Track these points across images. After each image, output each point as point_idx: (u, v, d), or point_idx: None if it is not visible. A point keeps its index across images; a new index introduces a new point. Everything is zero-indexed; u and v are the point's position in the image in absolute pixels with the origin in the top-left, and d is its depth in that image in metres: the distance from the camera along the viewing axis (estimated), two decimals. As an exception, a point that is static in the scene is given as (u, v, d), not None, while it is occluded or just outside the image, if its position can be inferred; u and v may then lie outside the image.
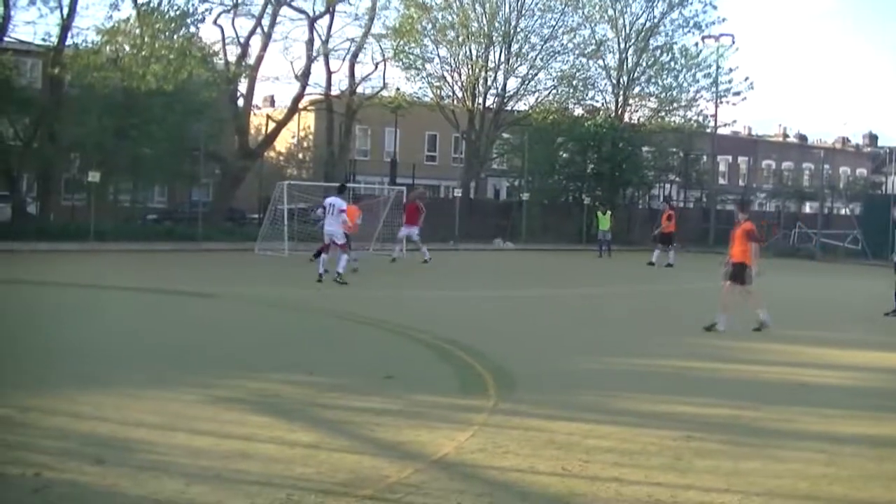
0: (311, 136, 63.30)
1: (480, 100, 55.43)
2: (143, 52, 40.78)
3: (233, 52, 45.90)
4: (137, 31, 41.17)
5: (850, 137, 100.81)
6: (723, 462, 9.12)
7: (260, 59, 46.14)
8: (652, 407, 11.52)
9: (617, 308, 23.43)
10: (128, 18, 41.62)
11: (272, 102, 66.94)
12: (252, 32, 45.78)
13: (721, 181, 72.80)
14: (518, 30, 54.98)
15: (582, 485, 7.98)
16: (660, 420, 10.74)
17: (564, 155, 56.50)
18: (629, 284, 29.46)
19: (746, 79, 60.85)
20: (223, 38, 45.54)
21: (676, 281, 31.62)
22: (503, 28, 54.55)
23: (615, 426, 10.29)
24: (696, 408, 11.68)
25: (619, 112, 58.33)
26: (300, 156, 62.17)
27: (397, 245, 34.63)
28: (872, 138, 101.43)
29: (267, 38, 45.87)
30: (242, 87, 46.82)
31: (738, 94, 58.77)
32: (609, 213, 43.83)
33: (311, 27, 47.65)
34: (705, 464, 9.02)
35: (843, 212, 60.14)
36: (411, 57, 54.00)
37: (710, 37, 58.06)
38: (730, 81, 58.65)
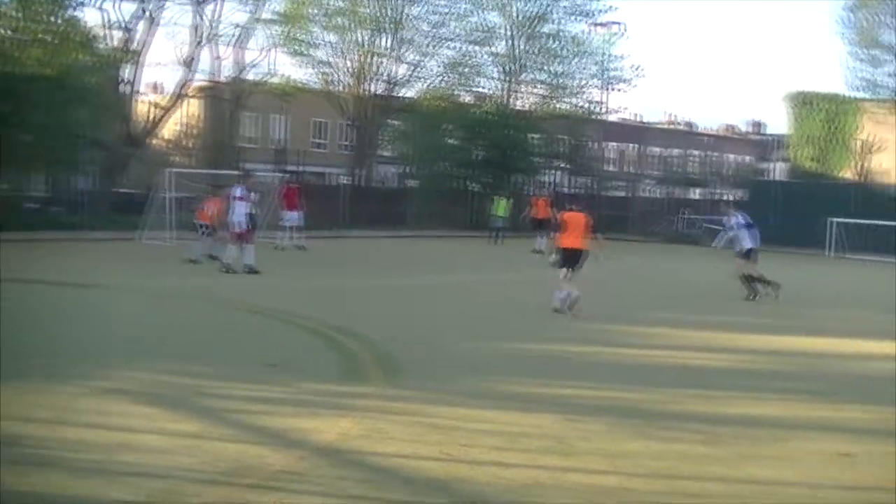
0: (197, 124, 62.50)
1: (368, 86, 55.21)
2: (22, 36, 39.77)
3: (117, 37, 44.98)
4: (15, 13, 40.12)
5: (737, 125, 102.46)
6: (605, 444, 9.25)
7: (144, 44, 45.38)
8: (535, 390, 11.62)
9: (503, 294, 23.53)
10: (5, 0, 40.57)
11: (158, 89, 66.03)
12: (136, 16, 44.97)
13: (609, 168, 73.43)
14: (407, 16, 54.84)
15: (464, 469, 8.02)
16: (542, 403, 10.84)
17: (452, 142, 56.42)
18: (517, 271, 29.59)
19: (635, 67, 61.17)
20: (106, 22, 44.59)
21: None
22: (392, 14, 54.34)
23: (498, 410, 10.36)
24: (579, 391, 11.82)
25: (508, 99, 58.47)
26: (187, 143, 61.31)
27: (286, 234, 34.31)
28: (758, 126, 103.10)
29: (152, 22, 45.14)
30: (128, 72, 45.97)
31: (626, 81, 59.26)
32: (508, 199, 43.85)
33: (198, 12, 47.03)
34: (588, 446, 9.14)
35: (728, 198, 61.08)
36: (299, 43, 53.53)
37: (599, 24, 58.45)
38: (619, 69, 59.14)
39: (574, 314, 18.82)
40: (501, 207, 43.12)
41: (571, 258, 19.62)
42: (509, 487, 7.79)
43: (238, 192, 25.35)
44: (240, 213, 24.93)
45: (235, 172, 34.24)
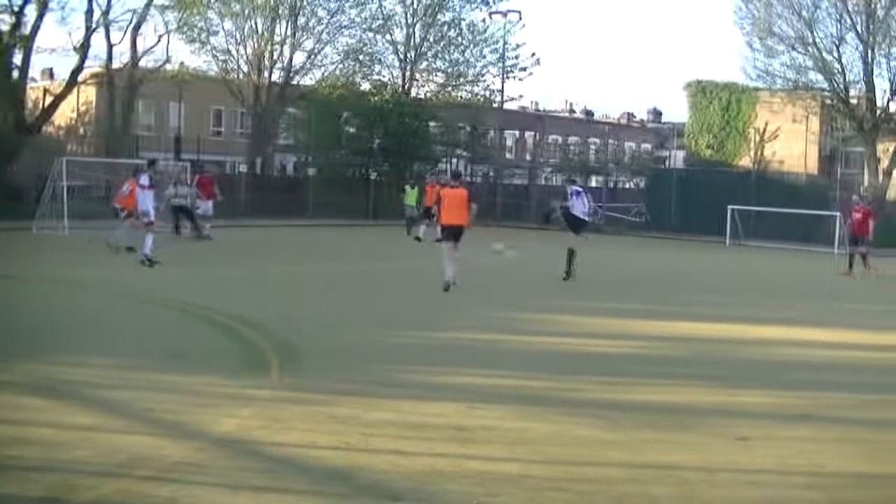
0: (91, 111, 61.51)
1: (266, 74, 54.78)
2: None
3: (5, 22, 43.95)
4: None
5: (635, 113, 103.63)
6: (506, 432, 9.27)
7: (35, 28, 44.39)
8: (435, 379, 11.65)
9: (407, 282, 23.50)
10: None
11: (51, 75, 64.76)
12: (26, 0, 43.95)
13: (508, 155, 73.81)
14: (304, 3, 54.47)
15: (362, 458, 7.99)
16: (443, 392, 10.85)
17: (351, 130, 56.26)
18: (422, 259, 29.56)
19: (533, 54, 61.50)
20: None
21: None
22: (289, 1, 53.93)
23: (397, 399, 10.34)
24: (481, 379, 11.85)
25: (406, 87, 58.46)
26: (81, 131, 60.28)
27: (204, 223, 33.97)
28: (657, 114, 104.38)
29: (43, 6, 44.16)
30: (18, 58, 44.95)
31: (524, 69, 59.57)
32: (414, 188, 43.60)
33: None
34: (488, 434, 9.15)
35: (627, 185, 61.67)
36: (195, 30, 52.88)
37: (497, 13, 58.72)
38: (517, 57, 59.38)
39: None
40: (411, 196, 42.86)
41: (454, 233, 20.84)
42: (408, 475, 7.76)
43: (143, 180, 24.86)
44: (147, 202, 24.51)
45: (132, 161, 33.84)
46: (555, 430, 9.50)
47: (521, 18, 58.94)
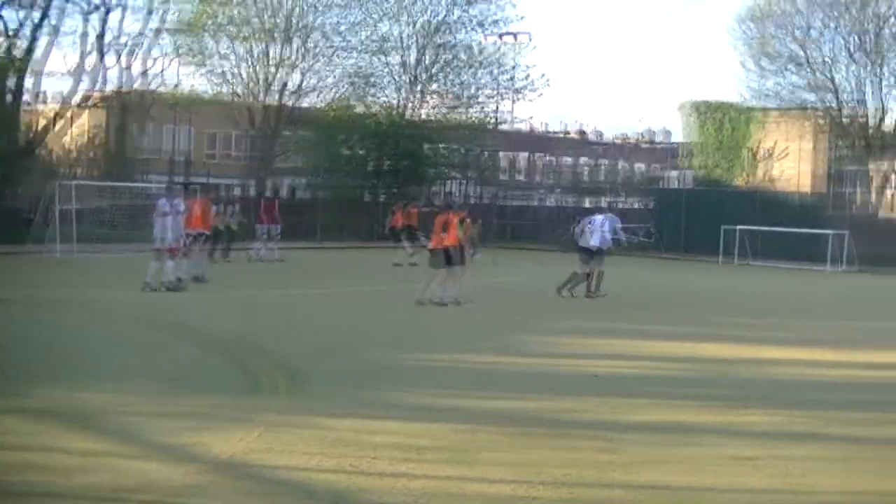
0: (99, 134, 61.44)
1: (271, 97, 54.76)
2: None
3: (13, 45, 43.81)
4: None
5: (646, 134, 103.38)
6: (510, 453, 9.29)
7: (36, 51, 44.23)
8: (440, 401, 11.64)
9: (411, 304, 23.45)
10: None
11: (54, 99, 64.81)
12: (33, 25, 43.85)
13: (518, 177, 73.86)
14: (304, 26, 54.44)
15: (368, 481, 7.99)
16: (447, 414, 10.85)
17: (360, 152, 56.22)
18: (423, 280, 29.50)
19: (543, 75, 61.47)
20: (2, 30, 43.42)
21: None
22: (288, 24, 53.90)
23: (402, 422, 10.36)
24: (485, 401, 11.83)
25: (412, 109, 58.38)
26: (84, 154, 60.09)
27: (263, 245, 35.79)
28: (667, 134, 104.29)
29: (56, 32, 44.17)
30: (15, 82, 44.75)
31: (534, 90, 59.44)
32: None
33: (88, 20, 46.01)
34: (492, 455, 9.16)
35: (636, 206, 61.53)
36: (198, 54, 52.90)
37: (507, 34, 58.58)
38: (526, 78, 59.17)
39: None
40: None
41: (449, 257, 21.82)
42: (412, 498, 7.77)
43: (166, 205, 24.07)
44: (171, 227, 23.92)
45: (138, 184, 33.91)
46: (558, 451, 9.50)
47: (531, 40, 58.76)
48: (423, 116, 58.75)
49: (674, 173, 70.93)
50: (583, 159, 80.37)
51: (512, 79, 58.65)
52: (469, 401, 11.77)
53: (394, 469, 8.47)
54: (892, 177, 54.23)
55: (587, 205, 58.32)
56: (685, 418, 11.29)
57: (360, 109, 57.25)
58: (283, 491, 7.84)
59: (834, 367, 15.58)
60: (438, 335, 17.92)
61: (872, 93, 53.95)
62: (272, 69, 54.37)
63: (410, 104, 58.27)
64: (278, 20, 53.88)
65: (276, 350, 14.77)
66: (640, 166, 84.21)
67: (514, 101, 59.53)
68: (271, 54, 54.26)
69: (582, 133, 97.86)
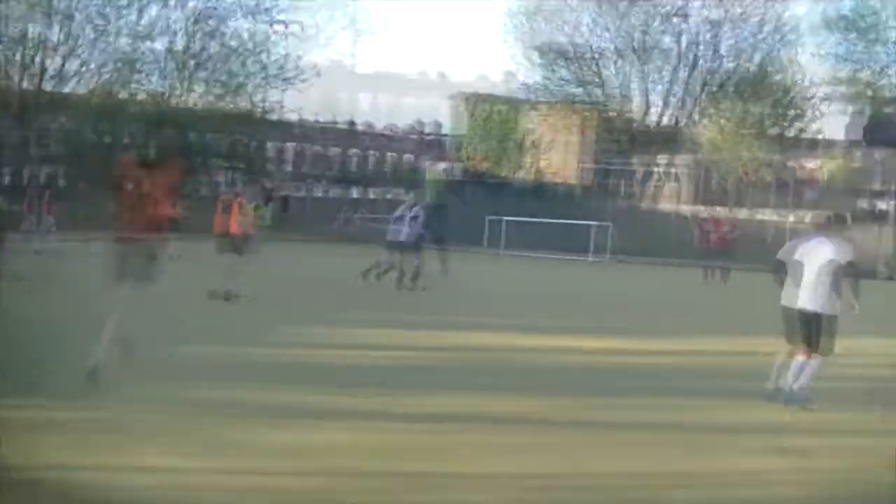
0: None
1: (25, 81, 52.37)
2: None
3: None
4: None
5: (416, 125, 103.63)
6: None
7: None
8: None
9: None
10: None
11: None
12: None
13: (286, 168, 73.32)
14: (73, 8, 52.47)
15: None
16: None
17: (124, 141, 54.55)
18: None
19: (312, 65, 61.14)
20: None
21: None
22: (50, 4, 51.73)
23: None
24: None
25: (181, 97, 57.11)
26: None
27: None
28: (437, 126, 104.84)
29: None
30: None
31: (304, 80, 59.10)
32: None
33: None
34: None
35: (404, 197, 61.82)
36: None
37: (279, 22, 58.15)
38: (297, 68, 58.85)
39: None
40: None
41: (240, 243, 20.96)
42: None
43: None
44: None
45: None
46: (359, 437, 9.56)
47: (302, 29, 58.48)
48: (198, 104, 57.54)
49: (455, 164, 71.54)
50: (352, 150, 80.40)
51: (282, 68, 58.25)
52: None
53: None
54: (654, 171, 56.09)
55: (354, 195, 58.68)
56: (443, 408, 11.32)
57: (124, 96, 55.74)
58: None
59: (596, 355, 16.01)
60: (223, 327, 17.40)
61: (638, 89, 55.76)
62: (28, 51, 52.03)
63: (177, 92, 57.03)
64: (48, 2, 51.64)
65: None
66: (409, 157, 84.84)
67: (283, 91, 59.15)
68: (29, 35, 51.89)
69: (351, 124, 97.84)
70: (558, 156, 63.95)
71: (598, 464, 9.16)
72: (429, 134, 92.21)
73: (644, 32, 54.08)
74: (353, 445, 9.27)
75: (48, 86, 53.25)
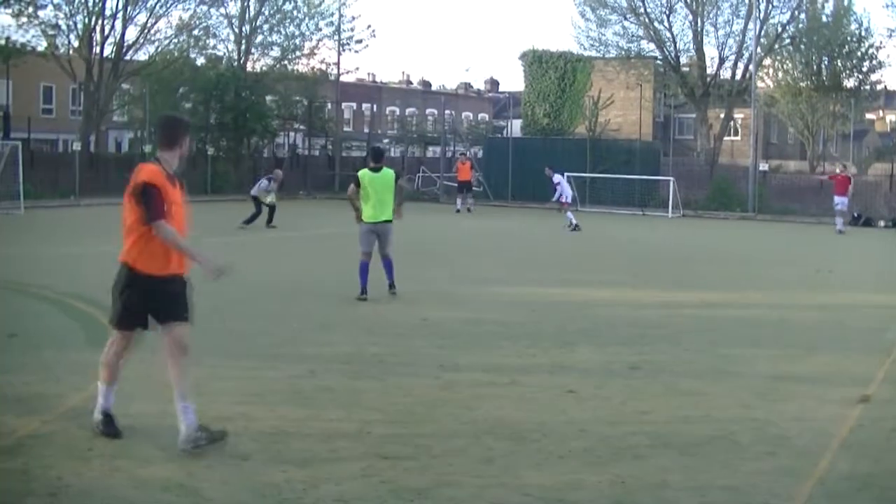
0: None
1: (98, 49, 53.33)
2: None
3: None
4: None
5: (472, 83, 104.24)
6: (342, 394, 9.62)
7: None
8: (275, 350, 11.88)
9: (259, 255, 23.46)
10: None
11: None
12: None
13: (346, 128, 73.82)
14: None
15: (209, 422, 8.11)
16: (283, 360, 11.14)
17: (187, 105, 55.34)
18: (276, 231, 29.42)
19: (369, 26, 61.66)
20: None
21: (305, 226, 32.00)
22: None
23: (237, 369, 10.61)
24: (319, 347, 12.15)
25: (242, 61, 57.74)
26: None
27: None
28: (494, 84, 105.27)
29: None
30: None
31: (360, 41, 59.52)
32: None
33: None
34: (326, 396, 9.50)
35: (467, 154, 62.20)
36: (22, 3, 51.16)
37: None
38: (352, 29, 59.23)
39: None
40: None
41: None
42: (254, 437, 8.07)
43: None
44: None
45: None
46: (390, 390, 9.92)
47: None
48: (259, 68, 58.23)
49: (518, 122, 71.63)
50: (409, 109, 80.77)
51: (338, 29, 58.61)
52: (302, 347, 12.15)
53: (232, 411, 8.77)
54: (710, 124, 55.85)
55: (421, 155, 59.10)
56: (512, 360, 11.74)
57: (199, 62, 56.55)
58: (128, 436, 8.01)
59: (657, 308, 16.38)
60: (271, 286, 18.01)
61: (709, 42, 55.57)
62: (105, 20, 52.74)
63: (248, 56, 57.71)
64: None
65: (106, 304, 14.59)
66: (467, 115, 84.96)
67: (339, 52, 59.58)
68: (105, 5, 52.54)
69: (426, 84, 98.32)
70: (632, 111, 64.18)
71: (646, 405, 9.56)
72: (503, 92, 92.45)
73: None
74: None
75: (127, 54, 53.92)
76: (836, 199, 35.75)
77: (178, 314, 8.10)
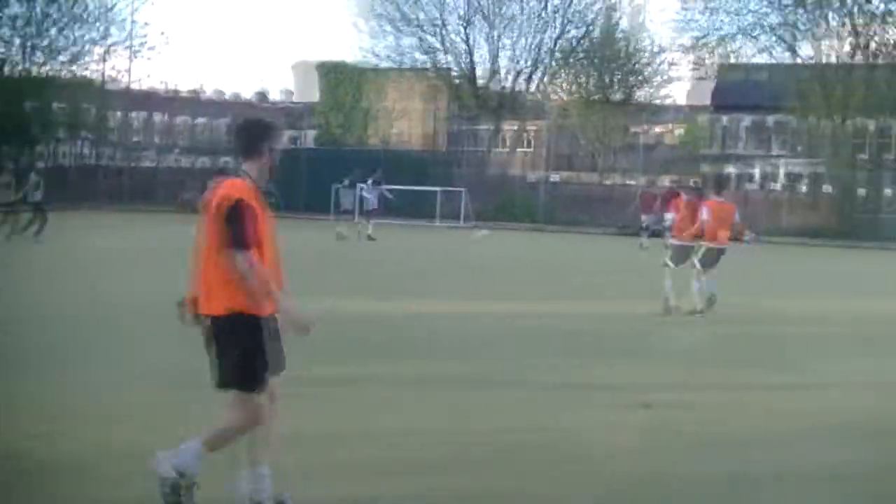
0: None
1: None
2: None
3: None
4: None
5: (268, 93, 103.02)
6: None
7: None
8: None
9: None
10: None
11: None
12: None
13: (135, 138, 72.15)
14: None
15: None
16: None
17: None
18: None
19: (162, 33, 60.22)
20: None
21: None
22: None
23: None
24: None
25: (27, 65, 55.41)
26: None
27: None
28: (289, 94, 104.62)
29: None
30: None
31: (152, 48, 58.02)
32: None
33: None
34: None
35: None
36: None
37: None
38: (144, 36, 57.69)
39: None
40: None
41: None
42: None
43: None
44: None
45: None
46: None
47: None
48: (43, 73, 55.89)
49: (312, 133, 71.19)
50: (199, 119, 79.52)
51: (129, 34, 57.13)
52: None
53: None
54: (503, 136, 56.76)
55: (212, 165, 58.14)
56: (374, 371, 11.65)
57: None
58: None
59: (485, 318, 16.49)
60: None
61: (482, 55, 56.26)
62: None
63: (11, 59, 55.26)
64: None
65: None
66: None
67: (130, 60, 58.12)
68: None
69: (196, 93, 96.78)
70: (425, 123, 64.52)
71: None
72: (297, 103, 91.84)
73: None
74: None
75: None
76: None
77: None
